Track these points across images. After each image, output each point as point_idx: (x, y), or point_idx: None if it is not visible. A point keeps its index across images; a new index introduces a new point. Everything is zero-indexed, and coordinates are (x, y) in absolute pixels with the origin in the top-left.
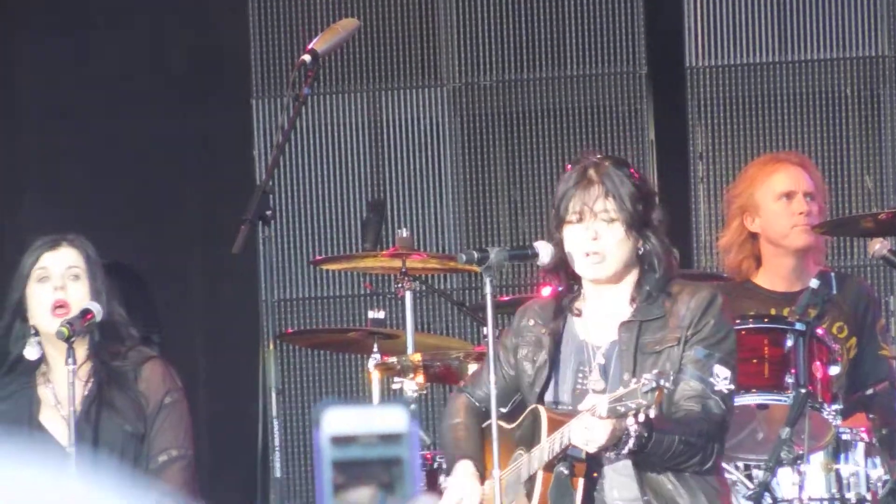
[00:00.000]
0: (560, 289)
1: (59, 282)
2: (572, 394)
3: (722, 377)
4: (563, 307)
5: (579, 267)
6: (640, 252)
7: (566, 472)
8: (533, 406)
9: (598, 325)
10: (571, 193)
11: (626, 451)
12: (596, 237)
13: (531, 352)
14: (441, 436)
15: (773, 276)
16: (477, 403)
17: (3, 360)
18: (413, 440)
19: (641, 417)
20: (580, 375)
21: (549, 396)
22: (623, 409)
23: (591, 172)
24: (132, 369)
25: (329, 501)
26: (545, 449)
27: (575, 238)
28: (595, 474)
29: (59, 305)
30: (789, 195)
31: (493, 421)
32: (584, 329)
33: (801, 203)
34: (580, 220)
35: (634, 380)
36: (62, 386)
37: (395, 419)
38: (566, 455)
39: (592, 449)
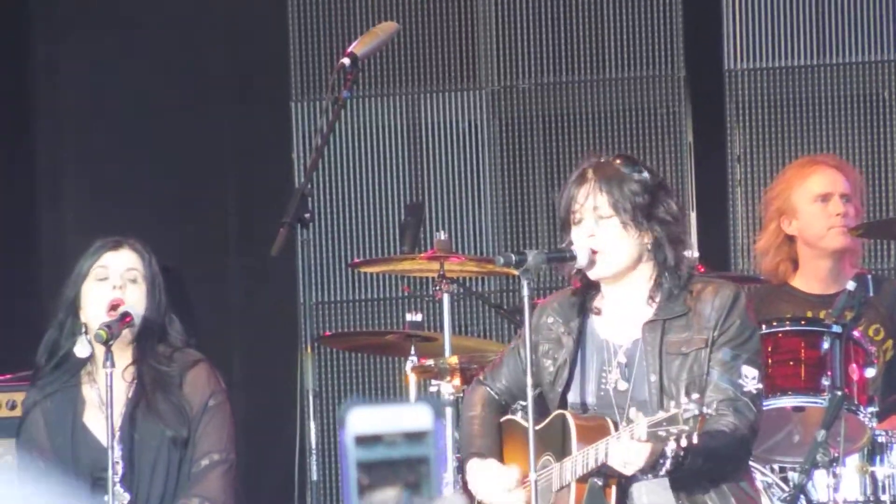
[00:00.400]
0: (578, 286)
1: (119, 282)
2: (596, 394)
3: (750, 377)
4: (583, 306)
5: (586, 268)
6: (649, 248)
7: (600, 483)
8: (559, 412)
9: (619, 324)
10: (569, 194)
11: (662, 472)
12: (592, 234)
13: (552, 349)
14: (459, 429)
15: (810, 279)
16: (496, 396)
17: (53, 355)
18: (438, 438)
19: (684, 443)
20: (603, 375)
21: (572, 397)
22: (664, 435)
23: (589, 171)
24: (178, 373)
25: (355, 502)
26: (579, 463)
27: (577, 238)
28: (628, 483)
29: (115, 305)
30: (826, 197)
31: (531, 430)
32: (604, 327)
33: (838, 205)
34: (576, 219)
35: (674, 404)
36: (106, 388)
37: (419, 417)
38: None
39: (630, 472)
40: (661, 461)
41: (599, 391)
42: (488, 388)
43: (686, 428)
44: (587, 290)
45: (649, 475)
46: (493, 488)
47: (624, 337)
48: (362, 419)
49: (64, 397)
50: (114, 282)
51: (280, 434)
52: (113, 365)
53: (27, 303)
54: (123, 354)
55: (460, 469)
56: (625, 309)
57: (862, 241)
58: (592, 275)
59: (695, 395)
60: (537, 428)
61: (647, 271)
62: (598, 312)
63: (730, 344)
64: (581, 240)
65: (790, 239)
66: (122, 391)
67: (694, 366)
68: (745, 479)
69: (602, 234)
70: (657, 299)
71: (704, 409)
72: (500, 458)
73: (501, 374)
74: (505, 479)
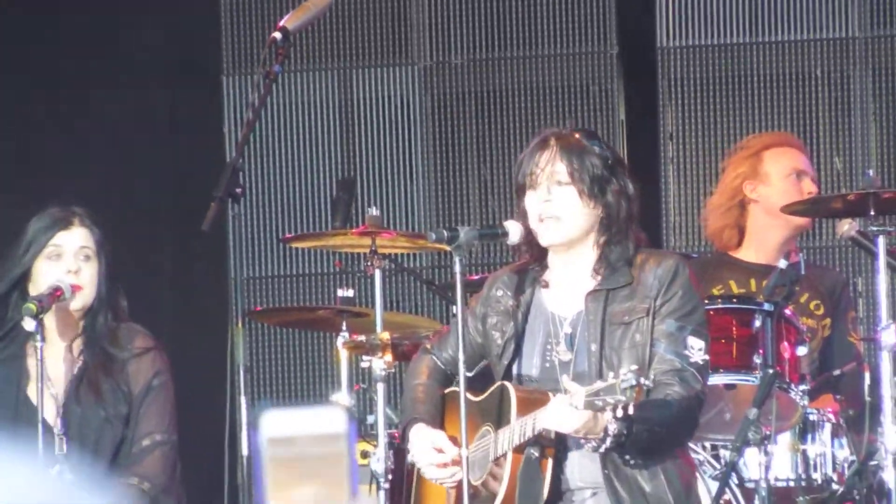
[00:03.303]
0: (528, 260)
1: (73, 265)
2: (541, 367)
3: (696, 348)
4: (531, 279)
5: (538, 233)
6: (602, 220)
7: (537, 454)
8: (501, 383)
9: (565, 296)
10: (527, 159)
11: (602, 449)
12: (548, 199)
13: (501, 322)
14: (403, 395)
15: (758, 248)
16: (442, 366)
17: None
18: (351, 441)
19: (620, 413)
20: (548, 347)
21: (516, 369)
22: (601, 404)
23: (551, 139)
24: (124, 350)
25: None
26: (516, 431)
27: (531, 203)
28: (564, 456)
29: (75, 290)
30: (801, 174)
31: (462, 404)
32: (551, 300)
33: (811, 185)
34: (533, 184)
35: (612, 374)
36: (53, 362)
37: (332, 420)
38: (537, 438)
39: (566, 430)
40: (602, 436)
41: (545, 363)
42: (434, 358)
43: (623, 398)
44: (536, 263)
45: (593, 446)
46: (429, 459)
47: (569, 309)
48: (276, 422)
49: (10, 368)
50: (68, 264)
51: (212, 409)
52: (44, 339)
53: None
54: (71, 328)
55: (402, 437)
56: (571, 281)
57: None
58: (543, 241)
59: (633, 366)
60: (478, 399)
61: (594, 244)
62: (546, 285)
63: (674, 315)
64: (534, 204)
65: (742, 206)
66: (67, 366)
67: (636, 335)
68: (680, 456)
69: (557, 200)
70: (601, 271)
71: (642, 380)
72: (442, 428)
73: (448, 345)
74: (440, 456)
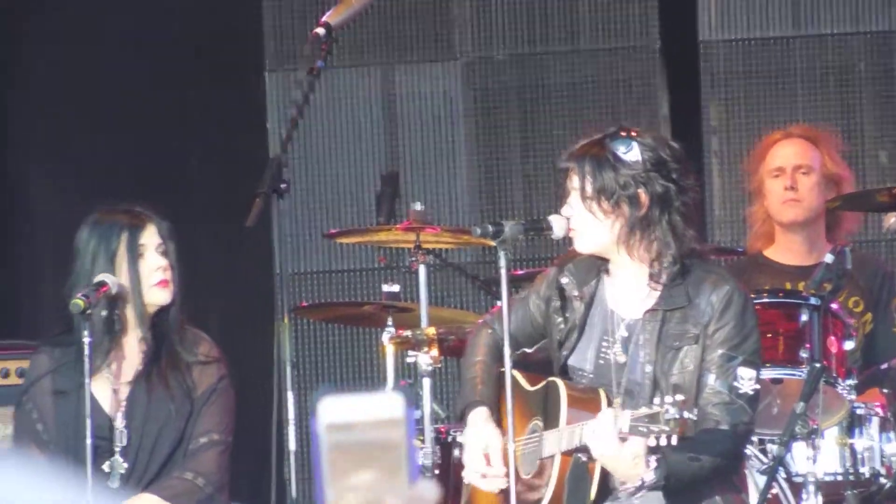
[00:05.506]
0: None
1: (161, 260)
2: (595, 363)
3: (747, 378)
4: (596, 270)
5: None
6: (633, 231)
7: (584, 458)
8: (552, 379)
9: (624, 297)
10: (562, 167)
11: (639, 495)
12: (570, 212)
13: (563, 308)
14: (461, 369)
15: (785, 251)
16: (500, 341)
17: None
18: (410, 426)
19: (663, 442)
20: (604, 345)
21: (572, 361)
22: (644, 430)
23: (582, 149)
24: (190, 353)
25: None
26: (564, 438)
27: (564, 210)
28: None
29: (164, 282)
30: (779, 171)
31: (508, 403)
32: (612, 297)
33: (787, 178)
34: (566, 193)
35: (658, 402)
36: (121, 354)
37: (390, 406)
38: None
39: (604, 454)
40: (641, 483)
41: (599, 359)
42: (493, 333)
43: (666, 429)
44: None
45: (629, 491)
46: (475, 468)
47: (627, 311)
48: (334, 408)
49: (76, 364)
50: (156, 261)
51: (258, 404)
52: (91, 336)
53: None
54: (146, 322)
55: (461, 417)
56: (629, 283)
57: (841, 213)
58: (575, 247)
59: (679, 397)
60: (532, 389)
61: (632, 253)
62: (609, 273)
63: (725, 345)
64: (564, 212)
65: (764, 209)
66: (135, 358)
67: (686, 360)
68: (743, 490)
69: (575, 212)
70: (661, 281)
71: (685, 414)
72: (498, 408)
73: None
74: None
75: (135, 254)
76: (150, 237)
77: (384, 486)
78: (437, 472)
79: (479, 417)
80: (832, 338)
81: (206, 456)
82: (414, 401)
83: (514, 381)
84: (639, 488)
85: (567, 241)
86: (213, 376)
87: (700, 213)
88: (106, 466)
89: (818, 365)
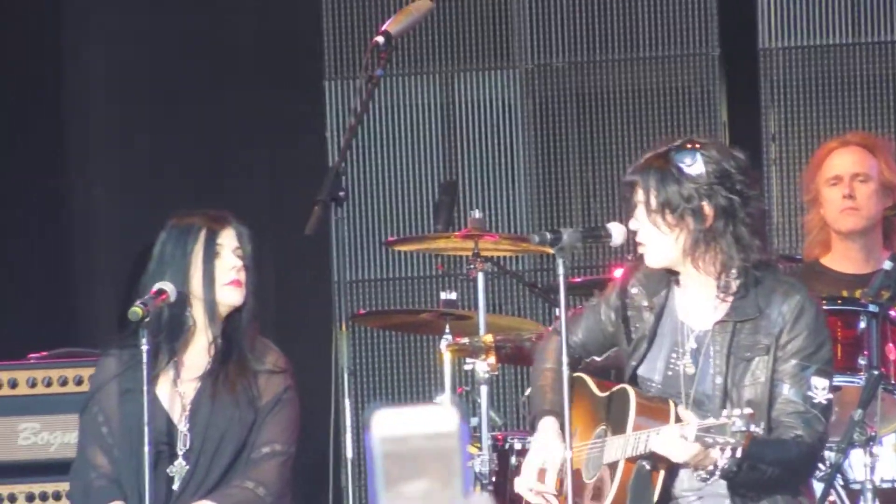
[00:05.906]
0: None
1: (237, 261)
2: (664, 374)
3: (820, 388)
4: (666, 281)
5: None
6: (698, 243)
7: (648, 466)
8: (623, 386)
9: (694, 308)
10: (627, 180)
11: (711, 482)
12: (639, 226)
13: (634, 318)
14: (531, 376)
15: (842, 259)
16: (571, 348)
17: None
18: (464, 440)
19: (728, 454)
20: (673, 356)
21: (642, 371)
22: (711, 441)
23: (647, 161)
24: (258, 362)
25: (382, 495)
26: (629, 444)
27: (631, 224)
28: (676, 471)
29: (237, 282)
30: (837, 179)
31: (566, 412)
32: (682, 307)
33: (844, 186)
34: (632, 206)
35: (726, 413)
36: (189, 356)
37: (444, 419)
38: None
39: (673, 459)
40: (711, 469)
41: (667, 371)
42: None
43: (732, 441)
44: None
45: (702, 477)
46: (527, 482)
47: (697, 322)
48: (388, 421)
49: (140, 368)
50: (231, 262)
51: (315, 412)
52: (149, 343)
53: (56, 282)
54: (216, 325)
55: (532, 425)
56: (699, 294)
57: None
58: (646, 262)
59: (747, 410)
60: (602, 395)
61: (698, 266)
62: (678, 284)
63: (798, 355)
64: (632, 226)
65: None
66: (203, 361)
67: (757, 371)
68: (805, 495)
69: (641, 226)
70: (731, 291)
71: (752, 427)
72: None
73: (579, 328)
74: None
75: (211, 252)
76: (229, 238)
77: (438, 496)
78: (493, 479)
79: (548, 428)
80: (890, 345)
81: (268, 466)
82: (471, 408)
83: (585, 386)
84: (711, 473)
85: (625, 248)
86: (279, 386)
87: (765, 222)
88: (170, 470)
89: (876, 372)
